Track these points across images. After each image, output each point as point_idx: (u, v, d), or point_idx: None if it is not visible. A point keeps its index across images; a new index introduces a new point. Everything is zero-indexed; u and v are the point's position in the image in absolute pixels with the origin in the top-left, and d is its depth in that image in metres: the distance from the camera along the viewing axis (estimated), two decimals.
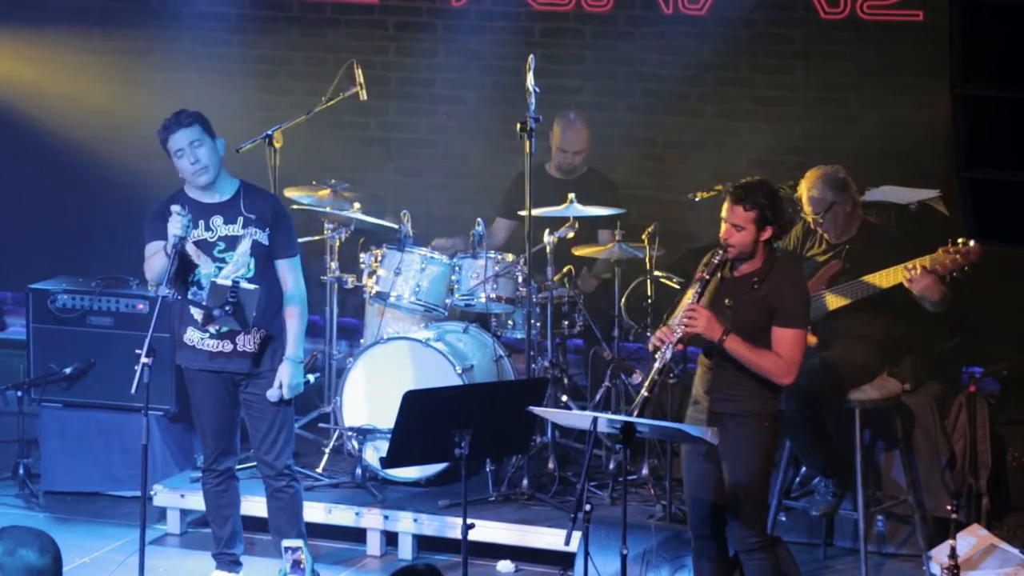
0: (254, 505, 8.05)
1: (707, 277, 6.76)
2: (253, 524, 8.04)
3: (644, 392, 6.68)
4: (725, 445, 6.71)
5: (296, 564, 7.42)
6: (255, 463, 8.39)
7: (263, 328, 7.44)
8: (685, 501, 7.16)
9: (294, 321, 7.46)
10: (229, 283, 7.32)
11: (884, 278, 7.79)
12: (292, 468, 7.67)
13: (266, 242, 7.44)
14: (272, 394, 7.43)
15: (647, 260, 8.56)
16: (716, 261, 6.75)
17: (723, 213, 6.76)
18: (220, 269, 7.41)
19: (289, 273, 7.50)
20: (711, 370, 6.81)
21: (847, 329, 7.93)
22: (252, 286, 7.36)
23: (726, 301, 6.76)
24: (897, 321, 8.04)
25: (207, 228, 7.44)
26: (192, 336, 7.50)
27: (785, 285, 6.78)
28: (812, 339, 7.93)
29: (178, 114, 7.44)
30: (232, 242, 7.43)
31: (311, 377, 7.66)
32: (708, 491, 6.87)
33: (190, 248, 7.41)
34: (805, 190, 7.98)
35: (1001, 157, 4.66)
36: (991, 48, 4.52)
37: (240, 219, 7.43)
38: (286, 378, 7.43)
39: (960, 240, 7.64)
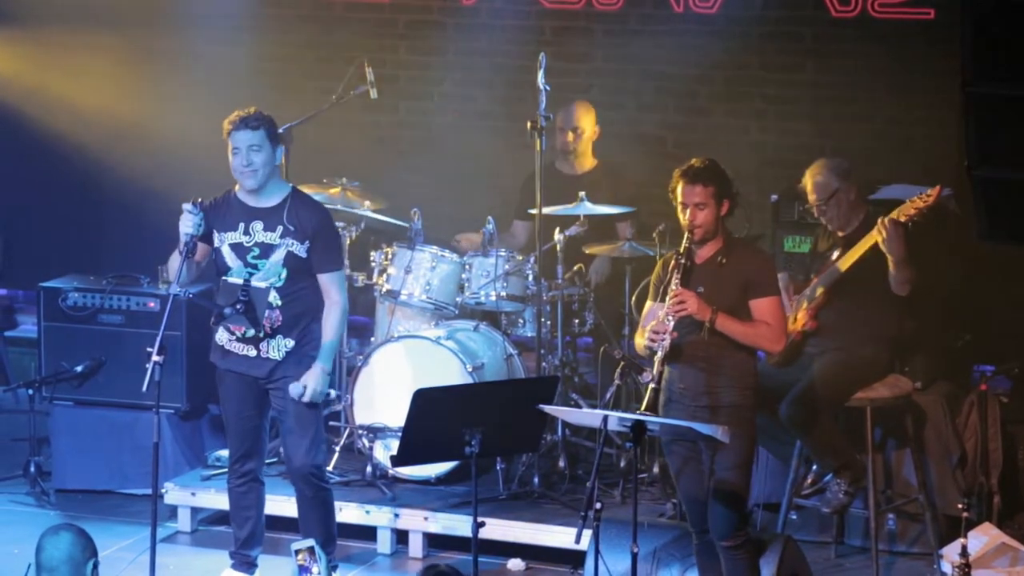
0: (272, 504, 8.03)
1: (683, 262, 6.85)
2: (269, 523, 8.02)
3: (652, 384, 6.74)
4: (709, 439, 6.72)
5: (303, 567, 7.41)
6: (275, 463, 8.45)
7: (291, 337, 7.40)
8: (680, 499, 7.17)
9: (330, 332, 7.41)
10: (240, 281, 7.31)
11: (860, 248, 7.85)
12: (317, 473, 7.57)
13: (303, 255, 7.37)
14: (294, 388, 7.37)
15: (657, 258, 8.55)
16: (686, 245, 6.85)
17: (679, 199, 6.86)
18: (251, 275, 7.38)
19: (331, 287, 7.42)
20: (691, 364, 6.84)
21: (857, 327, 7.94)
22: (263, 284, 7.36)
23: (699, 289, 6.82)
24: (908, 318, 8.04)
25: (245, 232, 7.40)
26: (221, 336, 7.49)
27: (750, 257, 6.96)
28: (813, 324, 7.93)
29: (248, 116, 7.40)
30: (267, 250, 7.38)
31: (332, 392, 7.63)
32: (702, 487, 6.88)
33: (225, 250, 7.40)
34: (810, 177, 8.06)
35: (1013, 155, 4.66)
36: (1003, 47, 4.52)
37: (280, 228, 7.37)
38: (311, 382, 7.37)
39: (928, 192, 7.73)
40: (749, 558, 6.93)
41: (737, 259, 6.88)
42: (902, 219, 7.74)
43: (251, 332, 7.38)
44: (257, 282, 7.37)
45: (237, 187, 7.48)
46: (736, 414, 6.80)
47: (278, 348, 7.41)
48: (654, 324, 6.81)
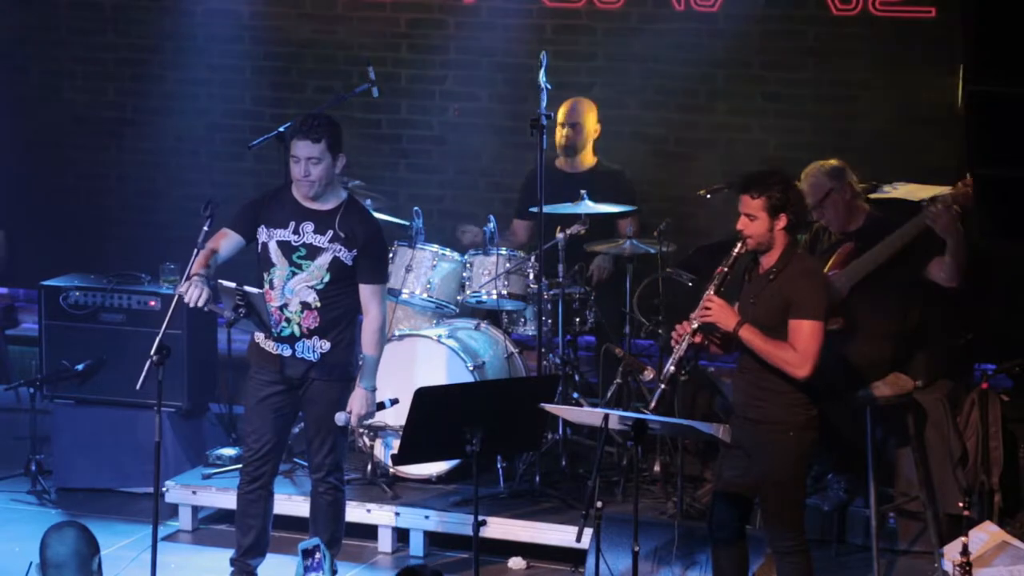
0: (276, 502, 8.00)
1: (726, 269, 6.76)
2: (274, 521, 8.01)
3: (662, 384, 6.73)
4: (755, 451, 6.70)
5: (308, 566, 7.42)
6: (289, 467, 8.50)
7: (327, 339, 7.35)
8: (712, 500, 7.09)
9: (370, 350, 7.36)
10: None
11: (905, 234, 7.82)
12: (335, 473, 7.51)
13: (348, 263, 7.32)
14: (340, 417, 7.32)
15: (658, 256, 8.56)
16: (734, 253, 6.75)
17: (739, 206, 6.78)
18: (294, 274, 7.34)
19: (371, 300, 7.35)
20: (740, 376, 6.80)
21: (859, 325, 7.93)
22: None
23: (751, 300, 6.75)
24: (911, 311, 8.03)
25: (295, 232, 7.35)
26: (259, 335, 7.47)
27: (799, 277, 6.71)
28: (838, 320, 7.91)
29: (312, 125, 7.27)
30: (313, 252, 7.33)
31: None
32: (734, 495, 6.83)
33: (272, 247, 7.36)
34: (803, 181, 8.05)
35: (1014, 154, 4.66)
36: (1004, 46, 4.52)
37: (330, 233, 7.31)
38: (357, 406, 7.34)
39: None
40: (806, 566, 6.85)
41: (786, 278, 6.69)
42: (961, 201, 7.65)
43: (287, 331, 7.37)
44: (299, 284, 7.34)
45: (293, 185, 7.41)
46: (781, 431, 6.67)
47: (313, 349, 7.37)
48: (681, 324, 6.78)
